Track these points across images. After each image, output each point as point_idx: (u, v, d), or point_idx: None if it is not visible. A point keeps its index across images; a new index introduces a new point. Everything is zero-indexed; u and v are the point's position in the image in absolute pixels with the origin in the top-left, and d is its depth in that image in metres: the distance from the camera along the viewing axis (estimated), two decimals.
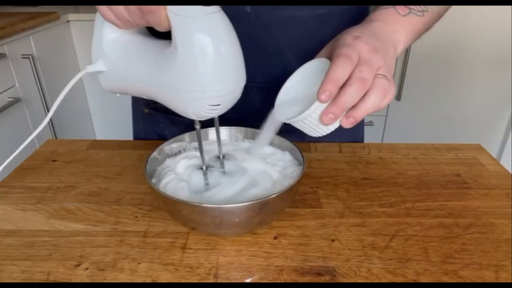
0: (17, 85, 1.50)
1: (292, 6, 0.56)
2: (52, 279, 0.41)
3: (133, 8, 0.37)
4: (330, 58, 0.43)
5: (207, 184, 0.48)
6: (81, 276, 0.41)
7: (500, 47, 1.67)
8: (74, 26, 1.80)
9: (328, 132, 0.44)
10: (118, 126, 2.02)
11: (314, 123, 0.42)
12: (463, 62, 1.71)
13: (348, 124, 0.41)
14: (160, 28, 0.38)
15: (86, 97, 1.97)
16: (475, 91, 1.77)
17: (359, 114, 0.41)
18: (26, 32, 1.53)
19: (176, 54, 0.38)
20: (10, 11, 1.74)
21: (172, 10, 0.36)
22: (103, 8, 0.39)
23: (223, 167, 0.50)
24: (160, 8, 0.36)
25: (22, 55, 1.51)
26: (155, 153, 0.50)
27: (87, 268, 0.42)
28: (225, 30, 0.38)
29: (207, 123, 0.55)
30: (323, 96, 0.39)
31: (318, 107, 0.41)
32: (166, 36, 0.41)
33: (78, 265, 0.43)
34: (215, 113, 0.41)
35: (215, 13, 0.37)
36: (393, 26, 0.48)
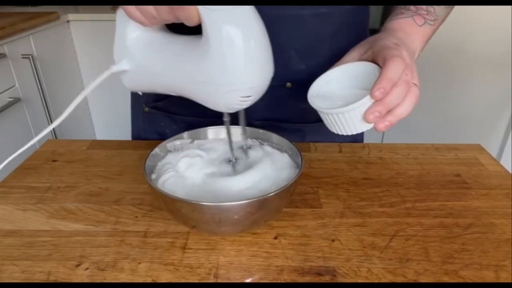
0: (17, 85, 1.50)
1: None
2: (52, 279, 0.41)
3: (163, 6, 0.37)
4: (368, 60, 0.46)
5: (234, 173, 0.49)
6: (81, 276, 0.41)
7: (500, 48, 1.67)
8: (74, 26, 1.80)
9: (359, 131, 0.45)
10: (118, 126, 2.02)
11: (351, 119, 0.43)
12: (463, 62, 1.71)
13: (383, 127, 0.43)
14: (190, 23, 0.38)
15: (86, 97, 1.97)
16: (475, 91, 1.77)
17: (394, 118, 0.43)
18: (26, 32, 1.53)
19: (208, 47, 0.38)
20: (10, 11, 1.74)
21: (203, 6, 0.37)
22: (131, 8, 0.39)
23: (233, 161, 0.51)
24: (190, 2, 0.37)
25: (22, 55, 1.51)
26: (156, 150, 0.50)
27: (87, 268, 0.42)
28: (255, 22, 0.39)
29: (207, 123, 0.56)
30: (377, 93, 0.40)
31: (363, 104, 0.42)
32: (186, 32, 0.41)
33: (78, 265, 0.43)
34: (246, 104, 0.42)
35: (245, 6, 0.38)
36: (413, 36, 0.51)
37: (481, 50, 1.68)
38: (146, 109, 0.71)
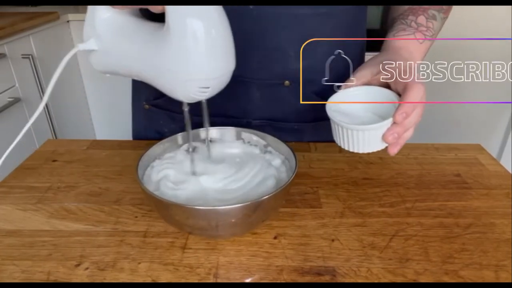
0: (17, 85, 1.50)
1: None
2: (52, 279, 0.41)
3: None
4: (375, 82, 0.49)
5: (193, 171, 0.49)
6: (81, 276, 0.41)
7: (500, 47, 1.67)
8: (74, 26, 1.80)
9: (371, 151, 0.47)
10: (118, 126, 2.01)
11: (369, 138, 0.46)
12: (463, 62, 1.71)
13: (395, 151, 0.45)
14: (155, 10, 0.39)
15: (86, 97, 1.97)
16: (475, 91, 1.77)
17: (403, 141, 0.46)
18: (26, 32, 1.52)
19: (169, 35, 0.39)
20: (10, 11, 1.74)
21: None
22: None
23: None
24: None
25: (22, 55, 1.51)
26: (145, 155, 0.50)
27: (87, 268, 0.42)
28: (217, 14, 0.39)
29: (200, 124, 0.55)
30: (401, 117, 0.43)
31: (385, 125, 0.44)
32: (158, 19, 0.42)
33: (78, 265, 0.43)
34: (204, 96, 0.42)
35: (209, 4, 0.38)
36: (414, 54, 0.54)
37: (481, 50, 1.68)
38: (146, 106, 0.71)
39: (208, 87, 0.41)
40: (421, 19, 0.56)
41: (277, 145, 0.52)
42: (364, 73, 0.50)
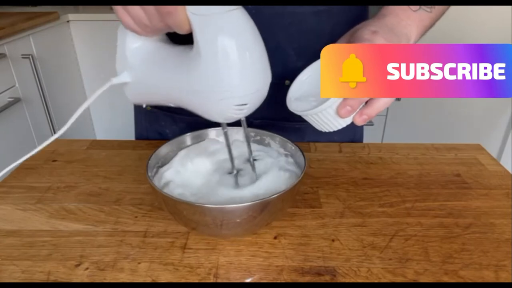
0: (17, 85, 1.50)
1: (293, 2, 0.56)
2: (52, 279, 0.41)
3: (151, 10, 0.37)
4: None
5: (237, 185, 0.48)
6: (81, 276, 0.41)
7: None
8: (74, 26, 1.80)
9: (339, 127, 0.45)
10: (118, 125, 2.02)
11: (328, 117, 0.43)
12: None
13: (361, 121, 0.42)
14: (181, 31, 0.38)
15: (86, 97, 1.97)
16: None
17: (372, 111, 0.42)
18: (26, 32, 1.53)
19: (199, 56, 0.37)
20: (10, 11, 1.74)
21: (192, 11, 0.36)
22: (121, 12, 0.38)
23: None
24: (179, 8, 0.36)
25: (22, 55, 1.51)
26: (155, 154, 0.50)
27: (87, 268, 0.42)
28: (247, 28, 0.37)
29: (207, 123, 0.55)
30: None
31: (336, 101, 0.42)
32: (188, 42, 0.40)
33: (78, 265, 0.43)
34: (242, 113, 0.41)
35: (235, 10, 0.36)
36: (406, 21, 0.49)
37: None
38: (148, 107, 0.71)
39: (245, 104, 0.40)
40: None
41: (283, 145, 0.52)
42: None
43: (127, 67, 0.44)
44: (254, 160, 0.50)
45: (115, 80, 0.44)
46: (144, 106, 0.48)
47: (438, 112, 1.80)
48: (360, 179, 0.58)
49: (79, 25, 1.80)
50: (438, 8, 0.54)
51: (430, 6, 0.52)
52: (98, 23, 1.77)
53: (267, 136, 0.54)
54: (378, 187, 0.56)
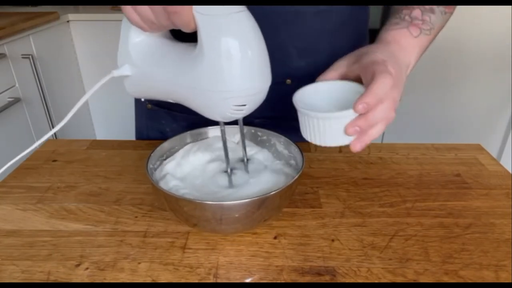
0: (17, 85, 1.50)
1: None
2: (52, 279, 0.41)
3: (158, 9, 0.37)
4: (355, 73, 0.44)
5: (231, 185, 0.48)
6: (81, 276, 0.41)
7: (500, 47, 1.67)
8: (74, 26, 1.80)
9: (332, 144, 0.43)
10: (118, 125, 2.02)
11: (331, 128, 0.41)
12: (463, 62, 1.71)
13: (357, 148, 0.41)
14: (186, 29, 0.38)
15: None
16: (475, 91, 1.77)
17: (368, 138, 0.41)
18: (26, 32, 1.53)
19: (202, 55, 0.38)
20: (10, 11, 1.74)
21: (198, 10, 0.36)
22: (129, 10, 0.39)
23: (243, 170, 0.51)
24: (185, 8, 0.36)
25: (22, 55, 1.51)
26: (155, 153, 0.50)
27: (87, 268, 0.42)
28: (251, 30, 0.38)
29: (208, 122, 0.56)
30: (360, 107, 0.38)
31: (346, 116, 0.40)
32: (190, 39, 0.41)
33: (78, 265, 0.43)
34: (241, 113, 0.41)
35: (240, 12, 0.37)
36: (407, 48, 0.50)
37: (481, 50, 1.68)
38: (149, 105, 0.71)
39: (244, 105, 0.40)
40: (416, 12, 0.52)
41: (282, 142, 0.53)
42: (340, 63, 0.47)
43: (128, 60, 0.44)
44: (248, 160, 0.51)
45: (116, 73, 0.45)
46: (143, 100, 0.48)
47: (438, 112, 1.80)
48: (360, 179, 0.58)
49: (79, 25, 1.80)
50: (437, 27, 0.54)
51: (429, 28, 0.52)
52: (98, 23, 1.77)
53: (273, 136, 0.54)
54: (378, 187, 0.56)
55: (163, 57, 0.44)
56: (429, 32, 0.52)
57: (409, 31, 0.51)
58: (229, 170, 0.49)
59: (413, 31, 0.51)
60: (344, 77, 0.46)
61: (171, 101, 0.46)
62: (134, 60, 0.44)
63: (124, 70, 0.45)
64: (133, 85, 0.46)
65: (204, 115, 0.43)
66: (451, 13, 0.57)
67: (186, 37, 0.42)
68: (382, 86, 0.39)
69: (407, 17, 0.52)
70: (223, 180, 0.49)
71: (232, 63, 0.37)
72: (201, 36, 0.38)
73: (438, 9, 0.54)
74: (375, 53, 0.45)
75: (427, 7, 0.53)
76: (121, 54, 0.45)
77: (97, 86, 0.44)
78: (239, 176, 0.49)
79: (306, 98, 0.46)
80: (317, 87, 0.46)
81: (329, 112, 0.41)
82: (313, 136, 0.43)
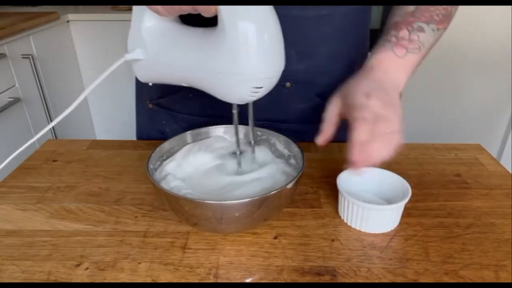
0: (17, 85, 1.50)
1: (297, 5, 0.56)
2: (52, 279, 0.41)
3: None
4: (342, 112, 0.49)
5: (239, 168, 0.51)
6: (81, 276, 0.41)
7: (500, 48, 1.67)
8: (74, 26, 1.80)
9: (367, 230, 0.47)
10: (118, 125, 2.02)
11: (372, 217, 0.46)
12: (463, 62, 1.71)
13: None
14: (207, 13, 0.39)
15: (86, 97, 1.97)
16: (475, 91, 1.77)
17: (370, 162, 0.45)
18: (26, 32, 1.53)
19: (223, 38, 0.39)
20: (10, 11, 1.74)
21: None
22: None
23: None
24: None
25: (22, 55, 1.51)
26: (155, 153, 0.50)
27: (87, 268, 0.42)
28: (271, 16, 0.40)
29: (208, 122, 0.56)
30: (353, 164, 0.44)
31: (386, 209, 0.46)
32: (199, 25, 0.43)
33: (78, 265, 0.43)
34: (256, 96, 0.43)
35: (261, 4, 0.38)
36: (393, 71, 0.51)
37: (481, 50, 1.68)
38: (150, 105, 0.71)
39: (261, 87, 0.42)
40: (403, 32, 0.53)
41: (283, 142, 0.54)
42: (332, 110, 0.50)
43: (141, 44, 0.45)
44: (255, 143, 0.53)
45: (128, 56, 0.45)
46: (150, 84, 0.49)
47: (438, 112, 1.80)
48: None
49: (79, 25, 1.80)
50: (427, 45, 0.54)
51: (418, 47, 0.53)
52: (98, 23, 1.77)
53: (273, 136, 0.54)
54: None
55: (177, 41, 0.44)
56: (418, 50, 0.53)
57: (394, 52, 0.52)
58: (238, 152, 0.51)
59: (398, 52, 0.52)
60: (341, 117, 0.50)
61: (184, 84, 0.46)
62: (148, 44, 0.45)
63: (137, 54, 0.45)
64: (144, 70, 0.47)
65: (219, 98, 0.44)
66: (445, 29, 0.57)
67: (195, 22, 0.43)
68: (360, 134, 0.44)
69: (393, 38, 0.53)
70: (228, 169, 0.51)
71: (253, 46, 0.39)
72: (223, 19, 0.39)
73: (428, 27, 0.54)
74: (358, 88, 0.48)
75: (415, 26, 0.53)
76: (132, 38, 0.46)
77: (110, 71, 0.44)
78: (248, 158, 0.52)
79: (348, 182, 0.49)
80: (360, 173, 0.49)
81: (364, 200, 0.46)
82: (352, 219, 0.48)
